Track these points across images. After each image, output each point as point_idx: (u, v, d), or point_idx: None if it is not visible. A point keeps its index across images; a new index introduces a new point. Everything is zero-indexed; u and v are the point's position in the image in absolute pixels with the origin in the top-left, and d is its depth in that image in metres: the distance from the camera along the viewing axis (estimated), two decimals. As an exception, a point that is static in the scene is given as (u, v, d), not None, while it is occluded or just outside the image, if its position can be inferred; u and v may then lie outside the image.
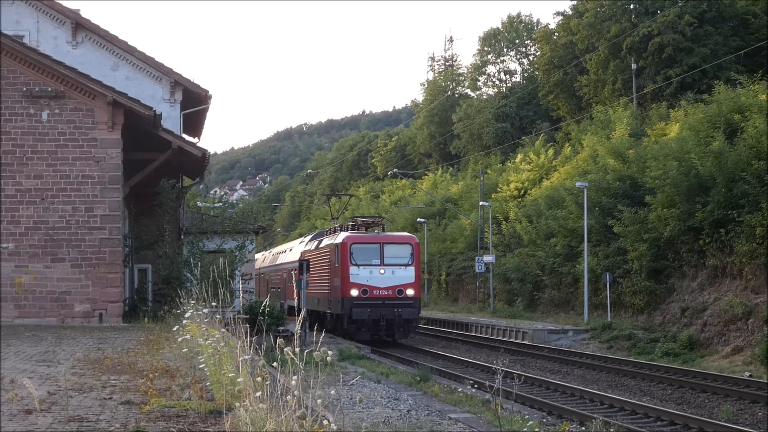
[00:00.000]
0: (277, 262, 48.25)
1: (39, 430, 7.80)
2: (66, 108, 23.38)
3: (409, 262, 30.64)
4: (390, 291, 30.15)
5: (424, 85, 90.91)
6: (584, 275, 33.91)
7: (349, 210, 63.06)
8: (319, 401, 6.96)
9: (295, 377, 6.68)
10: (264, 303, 10.53)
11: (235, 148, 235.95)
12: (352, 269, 30.16)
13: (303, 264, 30.72)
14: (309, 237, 42.88)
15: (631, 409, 17.37)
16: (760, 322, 24.54)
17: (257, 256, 57.75)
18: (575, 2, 57.57)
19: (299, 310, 42.81)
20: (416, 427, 12.49)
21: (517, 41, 77.29)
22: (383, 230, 33.57)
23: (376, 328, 30.30)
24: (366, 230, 33.13)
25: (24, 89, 23.23)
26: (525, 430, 12.24)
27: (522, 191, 50.64)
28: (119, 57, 28.90)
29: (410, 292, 30.40)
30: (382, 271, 30.24)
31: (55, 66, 23.29)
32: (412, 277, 30.58)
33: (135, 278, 27.79)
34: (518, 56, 78.53)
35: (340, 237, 31.41)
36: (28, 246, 23.09)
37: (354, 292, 30.00)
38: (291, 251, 44.74)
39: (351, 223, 34.03)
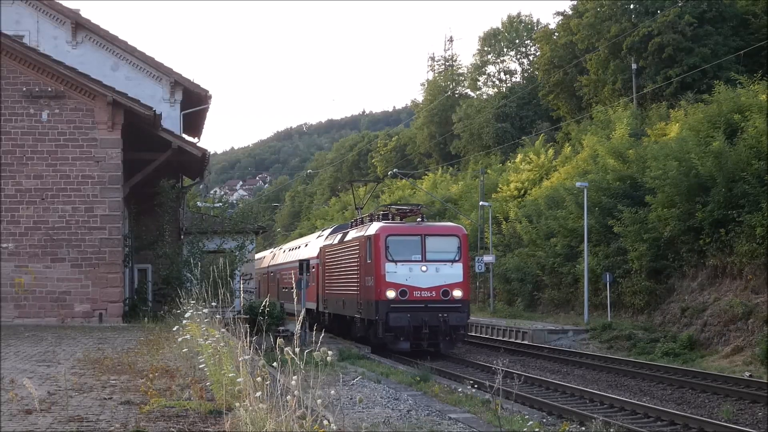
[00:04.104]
0: (290, 260, 42.74)
1: (39, 430, 7.79)
2: (66, 108, 23.36)
3: (457, 258, 25.93)
4: (433, 292, 25.55)
5: (424, 85, 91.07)
6: (584, 275, 33.91)
7: (350, 211, 62.29)
8: (319, 401, 6.95)
9: (295, 377, 6.67)
10: (263, 303, 10.51)
11: (235, 148, 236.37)
12: (389, 266, 25.51)
13: (303, 264, 30.34)
14: (329, 230, 37.82)
15: (631, 409, 17.37)
16: (760, 322, 24.56)
17: (265, 253, 57.11)
18: (575, 2, 57.61)
19: (318, 313, 40.62)
20: (416, 427, 12.48)
21: (517, 41, 77.30)
22: (423, 220, 28.27)
23: (417, 337, 25.65)
24: (402, 220, 28.55)
25: (24, 89, 23.22)
26: (525, 430, 12.23)
27: (522, 191, 50.61)
28: (119, 57, 28.91)
29: (458, 293, 25.73)
30: (423, 268, 25.64)
31: (55, 66, 23.27)
32: (460, 276, 25.90)
33: (135, 278, 27.77)
34: (518, 56, 78.61)
35: (373, 228, 26.56)
36: (28, 246, 23.07)
37: (390, 294, 25.37)
38: (306, 247, 39.89)
39: (383, 212, 29.03)
